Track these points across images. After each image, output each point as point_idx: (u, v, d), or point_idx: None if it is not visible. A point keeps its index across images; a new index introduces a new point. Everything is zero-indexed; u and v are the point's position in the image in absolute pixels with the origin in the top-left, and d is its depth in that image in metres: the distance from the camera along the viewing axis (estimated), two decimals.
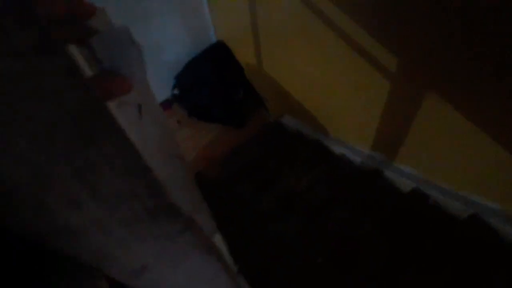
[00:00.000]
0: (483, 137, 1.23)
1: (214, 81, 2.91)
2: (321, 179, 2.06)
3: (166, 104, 3.34)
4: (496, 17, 0.97)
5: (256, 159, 2.44)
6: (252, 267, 1.69)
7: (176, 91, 3.07)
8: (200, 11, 2.95)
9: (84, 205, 0.22)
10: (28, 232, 0.21)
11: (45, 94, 0.18)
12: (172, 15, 2.84)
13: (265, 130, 2.80)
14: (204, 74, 2.92)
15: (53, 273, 0.26)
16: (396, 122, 1.63)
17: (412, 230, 1.58)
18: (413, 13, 1.21)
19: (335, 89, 1.91)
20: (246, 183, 2.23)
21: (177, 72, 3.09)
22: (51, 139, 0.19)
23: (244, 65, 2.94)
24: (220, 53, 3.02)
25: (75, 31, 0.28)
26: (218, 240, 1.65)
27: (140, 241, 0.29)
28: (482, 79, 1.12)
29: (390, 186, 1.84)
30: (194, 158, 2.91)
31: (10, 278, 0.23)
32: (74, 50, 0.29)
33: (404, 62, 1.37)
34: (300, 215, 1.88)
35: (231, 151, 2.64)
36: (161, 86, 3.19)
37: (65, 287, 0.27)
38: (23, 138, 0.18)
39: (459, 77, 1.18)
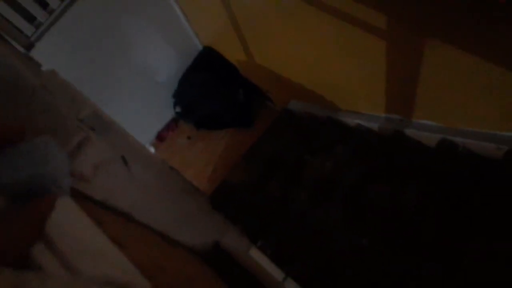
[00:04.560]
0: (501, 72, 1.12)
1: (212, 88, 2.86)
2: (345, 156, 1.98)
3: (172, 124, 3.32)
4: None
5: (276, 153, 2.38)
6: (301, 268, 1.63)
7: (178, 109, 3.04)
8: (178, 22, 2.90)
9: None
10: None
11: None
12: (152, 36, 2.80)
13: (276, 122, 2.72)
14: (200, 84, 2.88)
15: None
16: (402, 78, 1.53)
17: (454, 186, 1.48)
18: None
19: (330, 61, 1.83)
20: (273, 180, 2.18)
21: (173, 90, 3.05)
22: None
23: (237, 63, 2.87)
24: (209, 59, 2.97)
25: None
26: (254, 254, 1.60)
27: None
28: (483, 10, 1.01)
29: (416, 144, 1.74)
30: (214, 168, 2.88)
31: None
32: None
33: (393, 14, 1.27)
34: (336, 200, 1.81)
35: (248, 152, 2.59)
36: (163, 108, 3.18)
37: None
38: None
39: (456, 13, 1.08)
